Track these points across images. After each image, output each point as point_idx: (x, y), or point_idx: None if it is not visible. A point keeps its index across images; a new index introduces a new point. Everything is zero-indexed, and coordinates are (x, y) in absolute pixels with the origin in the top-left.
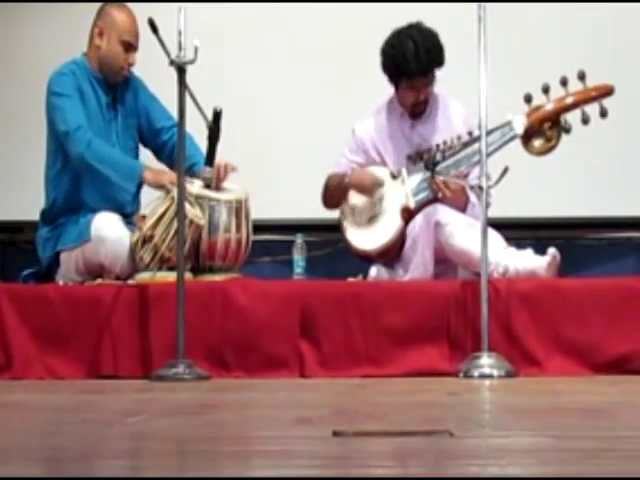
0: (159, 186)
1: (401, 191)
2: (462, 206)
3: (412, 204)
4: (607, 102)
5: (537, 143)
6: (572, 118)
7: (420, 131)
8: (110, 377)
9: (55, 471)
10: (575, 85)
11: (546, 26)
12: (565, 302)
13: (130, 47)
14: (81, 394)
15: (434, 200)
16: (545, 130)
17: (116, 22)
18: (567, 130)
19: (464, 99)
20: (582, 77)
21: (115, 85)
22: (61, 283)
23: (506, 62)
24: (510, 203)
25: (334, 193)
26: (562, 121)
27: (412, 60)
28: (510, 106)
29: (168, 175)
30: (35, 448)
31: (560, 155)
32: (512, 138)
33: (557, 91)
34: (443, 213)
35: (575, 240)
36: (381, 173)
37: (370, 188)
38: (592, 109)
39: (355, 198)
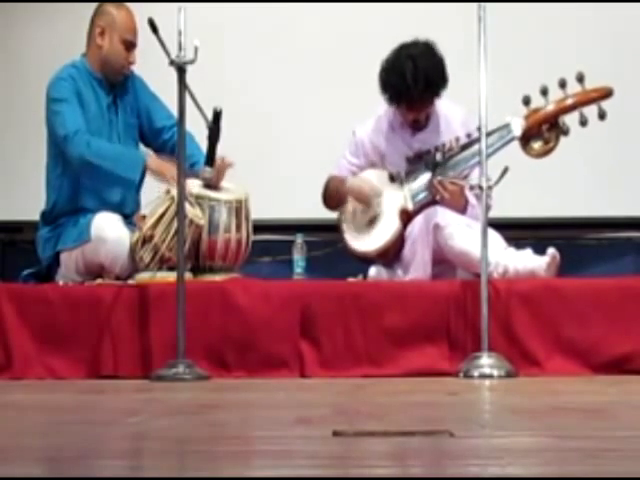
0: (160, 176)
1: (400, 194)
2: (461, 208)
3: (410, 206)
4: (607, 102)
5: (536, 145)
6: (569, 120)
7: (421, 138)
8: (110, 377)
9: (55, 471)
10: (573, 87)
11: (546, 26)
12: (565, 302)
13: (131, 46)
14: (81, 394)
15: (433, 202)
16: (543, 132)
17: (116, 21)
18: (565, 132)
19: (464, 99)
20: (581, 79)
21: (115, 85)
22: (61, 283)
23: (506, 62)
24: (510, 203)
25: (333, 196)
26: (560, 123)
27: (413, 90)
28: (510, 107)
29: (170, 168)
30: (35, 448)
31: (560, 155)
32: (510, 140)
33: (555, 93)
34: (442, 215)
35: (575, 240)
36: (380, 177)
37: (368, 197)
38: (590, 111)
39: (354, 202)
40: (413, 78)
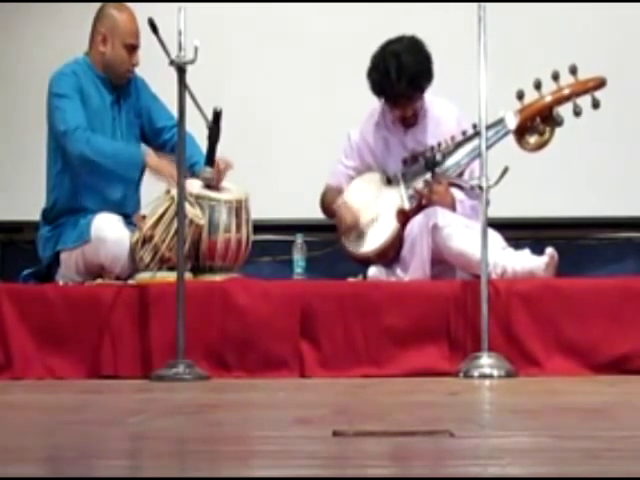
0: (159, 174)
1: (397, 194)
2: (449, 206)
3: (408, 206)
4: (606, 103)
5: (531, 139)
6: (564, 113)
7: (414, 136)
8: (110, 377)
9: (55, 471)
10: (566, 79)
11: (545, 26)
12: (565, 302)
13: (133, 49)
14: (81, 394)
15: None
16: (538, 125)
17: (118, 25)
18: (560, 124)
19: (461, 98)
20: (574, 71)
21: (118, 85)
22: (61, 283)
23: (505, 61)
24: (510, 203)
25: (329, 212)
26: (555, 114)
27: (396, 86)
28: (509, 106)
29: (168, 166)
30: (35, 448)
31: (560, 155)
32: (505, 134)
33: (548, 87)
34: (442, 216)
35: (575, 240)
36: (376, 180)
37: (348, 228)
38: (583, 102)
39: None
40: (397, 74)
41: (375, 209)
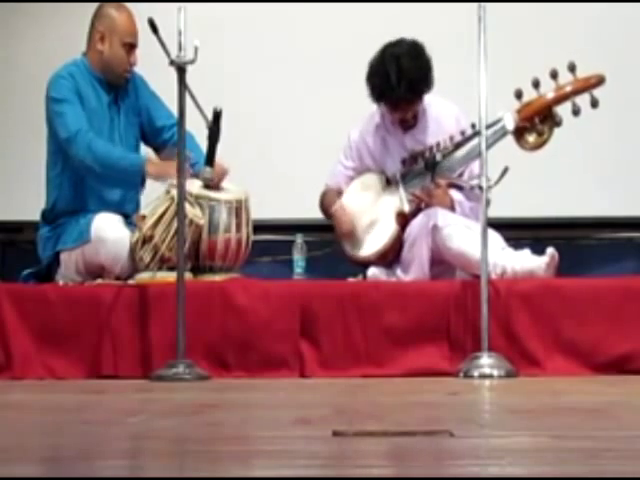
0: (161, 179)
1: (396, 196)
2: (448, 207)
3: (407, 209)
4: (607, 103)
5: (530, 138)
6: (562, 112)
7: (413, 136)
8: (110, 377)
9: (55, 471)
10: (565, 78)
11: (545, 26)
12: (565, 302)
13: (132, 48)
14: (81, 394)
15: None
16: (536, 124)
17: (116, 25)
18: (558, 123)
19: (461, 98)
20: (572, 68)
21: (116, 85)
22: (61, 283)
23: (505, 62)
24: (510, 203)
25: (327, 214)
26: (554, 114)
27: (396, 90)
28: (509, 106)
29: (170, 171)
30: (35, 448)
31: (560, 155)
32: (504, 135)
33: (547, 85)
34: (442, 216)
35: (575, 240)
36: (376, 181)
37: (346, 235)
38: (582, 101)
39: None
40: (396, 78)
41: (374, 211)
